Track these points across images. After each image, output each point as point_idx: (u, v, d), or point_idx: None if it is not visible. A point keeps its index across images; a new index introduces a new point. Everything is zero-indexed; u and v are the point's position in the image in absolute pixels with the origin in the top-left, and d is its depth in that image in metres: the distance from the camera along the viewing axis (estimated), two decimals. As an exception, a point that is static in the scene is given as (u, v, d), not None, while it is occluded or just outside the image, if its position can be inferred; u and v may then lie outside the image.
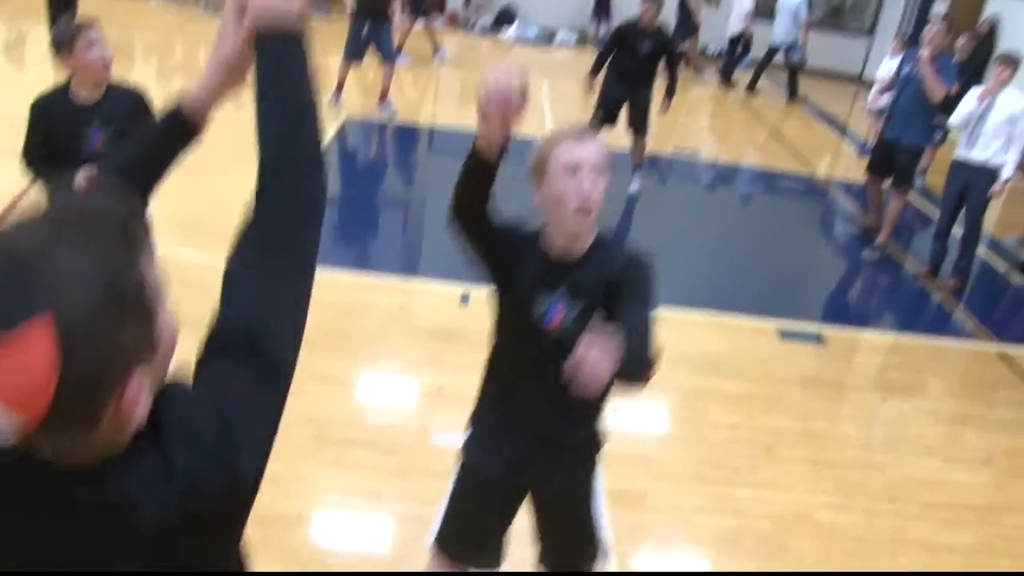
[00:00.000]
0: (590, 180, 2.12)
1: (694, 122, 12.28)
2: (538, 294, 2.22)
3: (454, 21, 15.78)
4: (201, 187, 6.57)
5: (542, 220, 2.25)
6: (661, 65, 7.68)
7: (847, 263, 7.63)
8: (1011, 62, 6.57)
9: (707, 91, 13.82)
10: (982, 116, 6.48)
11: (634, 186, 7.94)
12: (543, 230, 2.26)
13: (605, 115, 7.80)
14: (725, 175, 9.98)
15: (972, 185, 6.60)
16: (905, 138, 7.16)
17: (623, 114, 7.82)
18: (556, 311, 2.22)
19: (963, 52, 9.16)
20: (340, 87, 9.08)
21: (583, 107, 8.79)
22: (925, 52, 6.83)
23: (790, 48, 13.33)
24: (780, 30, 13.29)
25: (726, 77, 14.05)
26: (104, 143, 3.41)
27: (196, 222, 5.73)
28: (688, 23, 14.08)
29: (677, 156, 9.79)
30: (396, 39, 9.75)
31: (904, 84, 7.18)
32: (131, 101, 3.56)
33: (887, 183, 7.45)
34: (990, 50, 12.33)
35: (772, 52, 13.51)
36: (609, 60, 7.75)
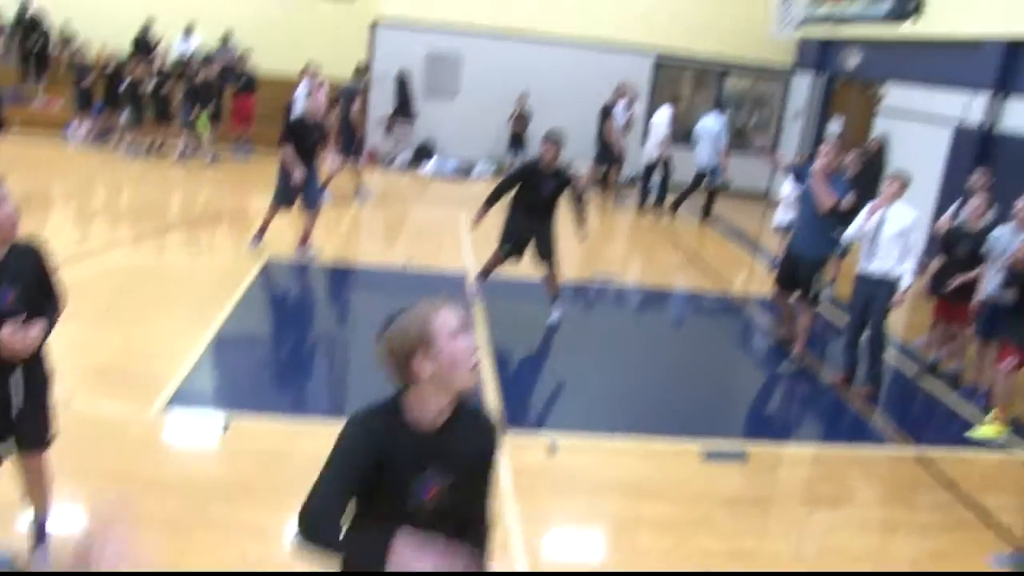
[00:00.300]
0: (472, 338, 2.28)
1: (613, 248, 12.64)
2: (412, 475, 2.27)
3: (373, 158, 16.15)
4: (118, 336, 6.52)
5: (399, 397, 2.29)
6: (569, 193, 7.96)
7: (766, 378, 7.81)
8: (899, 178, 6.99)
9: (627, 217, 14.26)
10: (877, 230, 6.83)
11: (554, 315, 8.09)
12: (404, 405, 2.29)
13: (512, 248, 8.05)
14: (644, 299, 10.22)
15: (875, 296, 6.90)
16: (807, 252, 7.53)
17: (530, 247, 8.05)
18: (429, 488, 2.28)
19: (853, 167, 9.69)
20: (263, 230, 9.15)
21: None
22: (815, 167, 7.28)
23: (712, 171, 14.07)
24: (703, 156, 14.06)
25: (642, 202, 14.58)
26: (13, 301, 3.37)
27: (114, 371, 5.63)
28: (608, 152, 14.64)
29: (597, 283, 10.01)
30: (323, 179, 9.95)
31: (803, 201, 7.59)
32: (34, 258, 3.55)
33: (795, 296, 7.75)
34: (881, 166, 13.11)
35: (700, 177, 14.20)
36: (513, 196, 8.00)
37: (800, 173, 7.72)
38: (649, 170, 14.60)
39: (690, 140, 14.59)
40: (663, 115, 14.36)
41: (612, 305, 9.78)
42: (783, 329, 8.23)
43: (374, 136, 16.22)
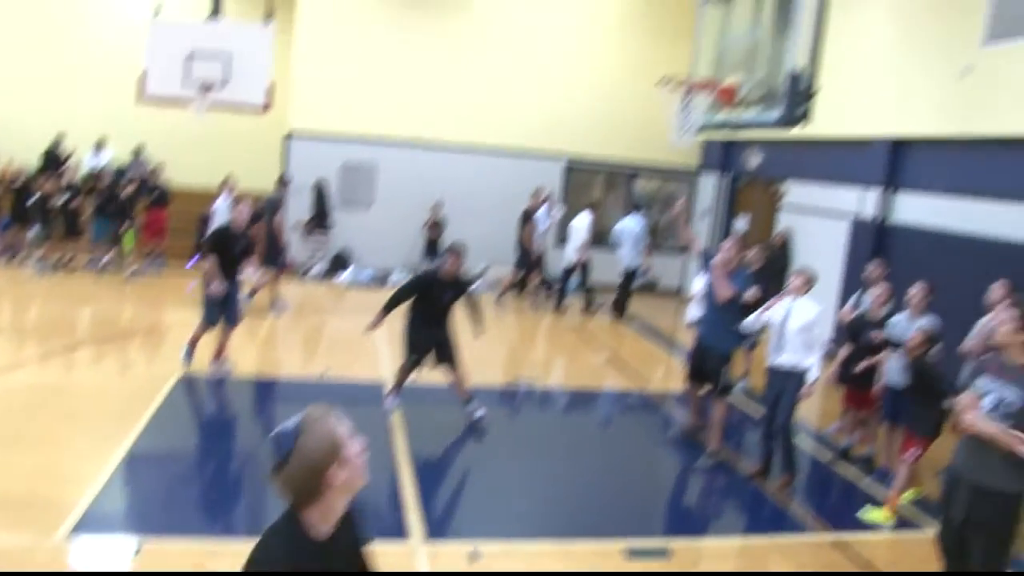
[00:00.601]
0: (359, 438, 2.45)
1: (533, 351, 12.73)
2: None
3: (290, 268, 16.11)
4: (23, 459, 6.26)
5: (298, 515, 2.33)
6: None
7: (685, 473, 7.88)
8: (804, 273, 7.26)
9: (545, 319, 14.42)
10: (782, 324, 7.06)
11: (479, 412, 8.15)
12: (305, 521, 2.33)
13: (419, 358, 8.17)
14: (564, 400, 10.27)
15: (785, 388, 7.09)
16: (713, 345, 7.76)
17: (433, 354, 8.19)
18: None
19: (757, 261, 10.03)
20: (194, 344, 9.00)
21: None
22: (715, 261, 7.59)
23: (635, 271, 14.53)
24: (627, 256, 14.50)
25: (559, 304, 14.81)
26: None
27: (17, 497, 5.39)
28: (527, 256, 14.88)
29: (517, 386, 10.06)
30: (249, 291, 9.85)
31: (707, 295, 7.85)
32: None
33: (705, 389, 7.93)
34: (786, 260, 13.66)
35: (629, 276, 14.56)
36: (412, 304, 8.14)
37: (709, 258, 7.99)
38: (568, 273, 14.89)
39: (606, 242, 15.01)
40: (583, 220, 14.73)
41: (532, 408, 9.80)
42: (692, 422, 8.39)
43: (291, 246, 16.22)
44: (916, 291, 7.49)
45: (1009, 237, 9.70)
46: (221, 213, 13.22)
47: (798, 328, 6.98)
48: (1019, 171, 9.80)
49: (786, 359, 7.06)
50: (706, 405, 8.09)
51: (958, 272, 9.52)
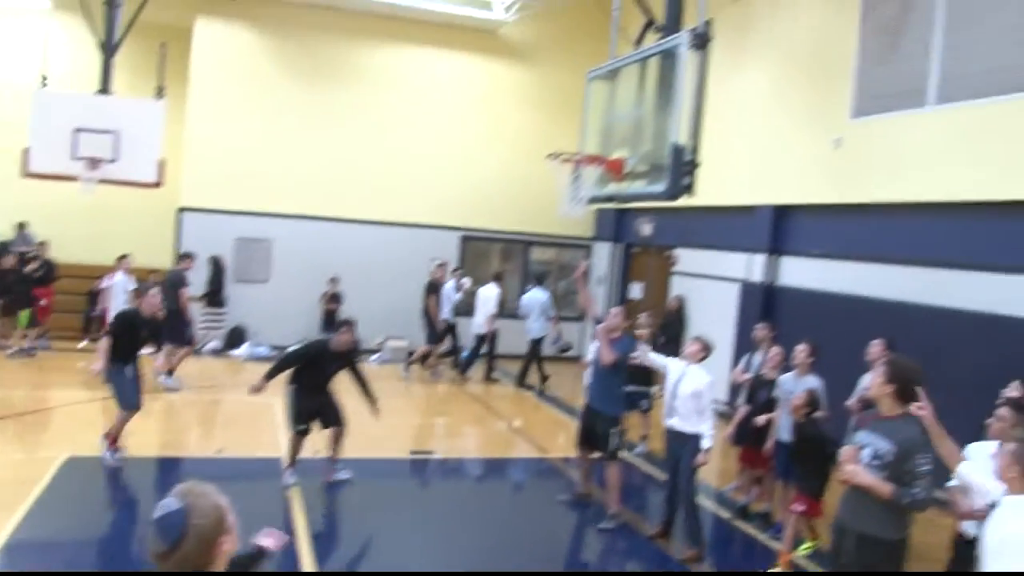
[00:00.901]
0: None
1: (436, 421, 12.67)
2: None
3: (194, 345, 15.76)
4: None
5: None
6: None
7: (586, 537, 7.94)
8: (700, 340, 7.40)
9: (449, 389, 14.39)
10: (675, 388, 7.21)
11: (343, 475, 8.43)
12: None
13: (305, 428, 8.24)
14: (466, 469, 10.23)
15: (683, 452, 7.22)
16: (600, 408, 7.95)
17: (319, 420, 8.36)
18: None
19: (648, 326, 10.22)
20: (116, 439, 8.52)
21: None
22: (599, 326, 7.84)
23: (539, 340, 14.81)
24: (535, 326, 14.82)
25: (463, 371, 14.89)
26: None
27: None
28: (433, 328, 14.87)
29: (418, 457, 10.00)
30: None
31: (594, 360, 8.08)
32: None
33: (596, 453, 8.07)
34: (682, 323, 14.06)
35: (536, 344, 14.81)
36: (295, 373, 8.21)
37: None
38: (480, 340, 15.01)
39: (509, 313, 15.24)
40: (491, 291, 14.96)
41: (435, 478, 9.73)
42: (584, 487, 8.47)
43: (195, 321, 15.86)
44: (800, 351, 7.81)
45: (884, 296, 10.24)
46: (118, 291, 12.87)
47: (689, 394, 7.06)
48: (888, 235, 10.42)
49: (678, 423, 7.18)
50: (597, 470, 8.21)
51: (841, 331, 9.97)
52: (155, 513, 2.33)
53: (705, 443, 7.01)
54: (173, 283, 12.79)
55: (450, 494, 9.20)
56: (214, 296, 15.74)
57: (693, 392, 7.05)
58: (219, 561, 2.37)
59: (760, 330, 9.10)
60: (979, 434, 5.53)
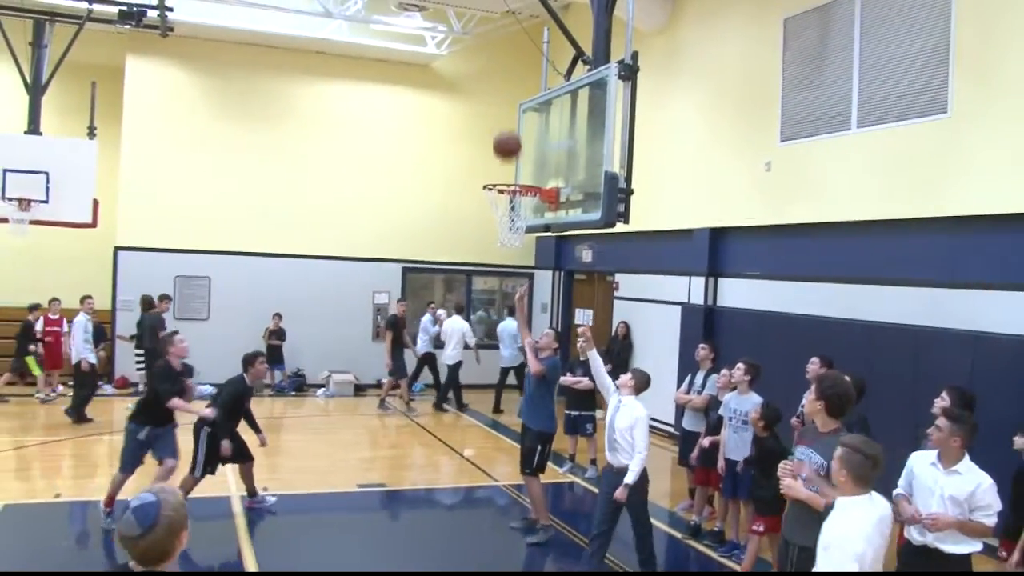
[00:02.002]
0: None
1: (378, 454, 12.59)
2: None
3: (124, 385, 15.49)
4: None
5: None
6: None
7: (538, 560, 8.01)
8: (636, 373, 7.05)
9: (393, 421, 14.33)
10: (611, 421, 6.90)
11: (269, 500, 8.67)
12: None
13: (214, 468, 8.36)
14: (415, 500, 10.17)
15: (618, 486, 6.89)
16: (529, 424, 8.23)
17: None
18: None
19: (582, 353, 10.13)
20: (111, 501, 7.90)
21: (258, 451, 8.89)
22: (528, 341, 8.25)
23: (511, 369, 15.30)
24: (507, 353, 15.26)
25: (438, 405, 15.25)
26: None
27: None
28: (395, 362, 14.76)
29: (366, 489, 9.94)
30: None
31: (527, 377, 8.35)
32: None
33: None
34: (630, 347, 14.25)
35: (505, 372, 15.31)
36: (226, 416, 8.30)
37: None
38: (453, 370, 15.19)
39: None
40: (458, 323, 15.34)
41: (384, 510, 9.67)
42: (533, 511, 8.49)
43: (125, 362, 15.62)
44: (737, 370, 7.95)
45: (818, 313, 10.50)
46: (77, 331, 12.84)
47: (623, 427, 6.78)
48: (818, 254, 10.71)
49: (614, 458, 6.85)
50: (549, 490, 8.36)
51: (781, 348, 10.20)
52: (132, 503, 2.75)
53: (629, 478, 6.65)
54: (151, 326, 12.65)
55: (402, 525, 9.17)
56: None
57: (628, 426, 6.76)
58: (177, 551, 2.78)
59: (701, 351, 9.24)
60: (917, 444, 5.72)
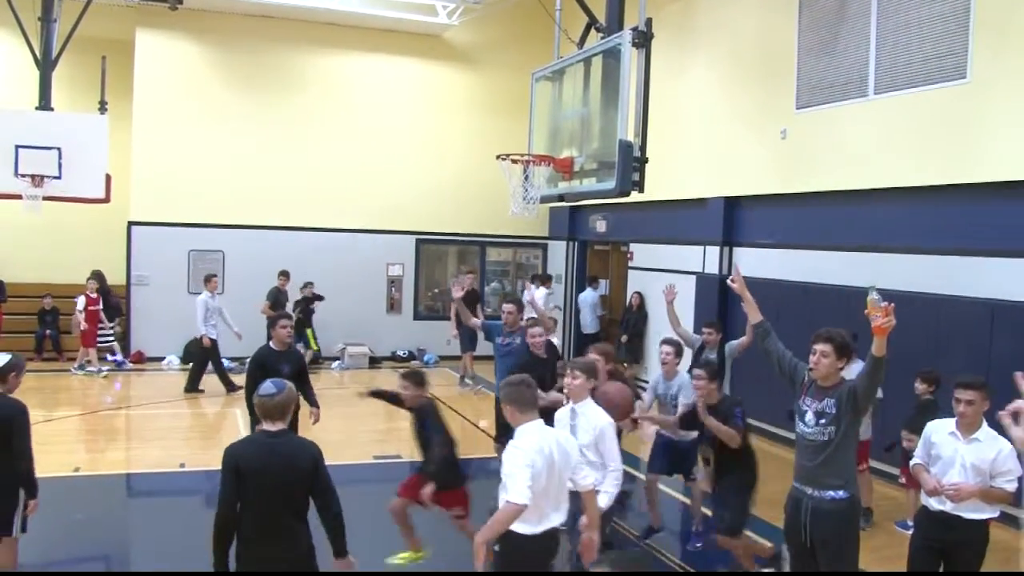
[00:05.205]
0: None
1: (393, 426, 12.59)
2: None
3: (140, 360, 15.59)
4: None
5: None
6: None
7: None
8: (578, 365, 5.57)
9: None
10: (571, 429, 5.45)
11: None
12: None
13: None
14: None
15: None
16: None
17: None
18: None
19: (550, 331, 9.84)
20: None
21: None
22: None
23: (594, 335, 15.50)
24: (587, 322, 15.98)
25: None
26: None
27: None
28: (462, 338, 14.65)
29: (377, 463, 9.99)
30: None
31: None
32: None
33: None
34: (644, 318, 14.22)
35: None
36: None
37: (487, 330, 8.38)
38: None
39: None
40: (541, 292, 14.80)
41: (398, 480, 9.68)
42: None
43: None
44: (666, 353, 7.38)
45: (835, 283, 10.40)
46: (200, 310, 13.44)
47: (585, 444, 5.32)
48: (835, 222, 10.60)
49: (583, 478, 4.86)
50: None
51: (798, 318, 10.09)
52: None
53: (601, 500, 5.19)
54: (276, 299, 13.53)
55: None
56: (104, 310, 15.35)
57: (591, 440, 5.35)
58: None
59: (707, 334, 8.73)
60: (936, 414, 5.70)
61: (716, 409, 6.32)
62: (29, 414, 5.51)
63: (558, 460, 4.49)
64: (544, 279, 15.99)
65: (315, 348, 15.55)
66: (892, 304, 4.43)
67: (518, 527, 4.36)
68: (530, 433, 4.49)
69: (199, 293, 13.76)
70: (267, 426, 4.38)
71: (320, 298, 15.63)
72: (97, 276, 15.14)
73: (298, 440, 4.54)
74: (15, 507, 5.45)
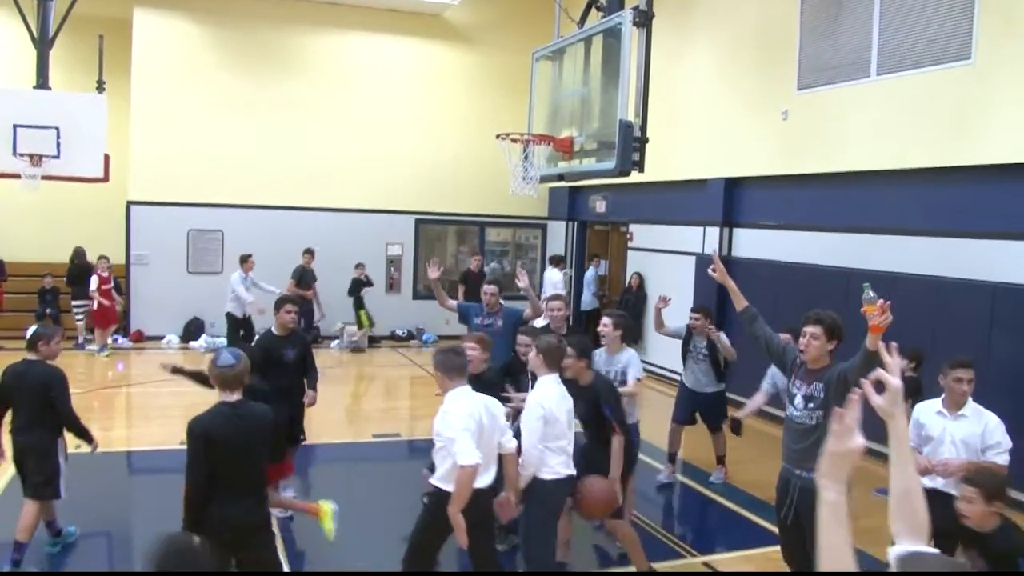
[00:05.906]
0: None
1: (392, 404, 12.67)
2: None
3: (140, 338, 15.57)
4: None
5: None
6: None
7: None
8: (542, 345, 5.43)
9: (407, 372, 14.37)
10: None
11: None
12: None
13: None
14: (427, 450, 10.18)
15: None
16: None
17: None
18: None
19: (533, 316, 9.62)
20: None
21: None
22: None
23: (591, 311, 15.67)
24: (586, 300, 16.20)
25: None
26: None
27: None
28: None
29: (376, 441, 10.01)
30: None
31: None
32: None
33: None
34: (643, 298, 14.21)
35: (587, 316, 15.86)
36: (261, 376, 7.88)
37: (463, 312, 8.29)
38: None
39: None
40: (555, 276, 15.33)
41: (398, 458, 9.75)
42: None
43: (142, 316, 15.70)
44: (605, 326, 6.92)
45: (835, 264, 10.39)
46: (239, 288, 13.89)
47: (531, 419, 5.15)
48: (836, 204, 10.57)
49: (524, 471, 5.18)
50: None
51: (799, 299, 10.07)
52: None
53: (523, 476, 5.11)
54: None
55: (416, 474, 9.20)
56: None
57: (537, 417, 5.10)
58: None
59: (694, 319, 8.49)
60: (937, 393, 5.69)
61: (588, 391, 5.77)
62: (67, 380, 6.02)
63: (487, 424, 4.79)
64: (557, 260, 15.97)
65: (367, 325, 15.92)
66: (889, 301, 4.41)
67: (445, 485, 4.74)
68: (460, 398, 4.79)
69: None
70: (225, 397, 4.56)
71: (369, 283, 15.74)
72: (78, 253, 15.24)
73: (255, 406, 4.72)
74: (57, 471, 6.00)
